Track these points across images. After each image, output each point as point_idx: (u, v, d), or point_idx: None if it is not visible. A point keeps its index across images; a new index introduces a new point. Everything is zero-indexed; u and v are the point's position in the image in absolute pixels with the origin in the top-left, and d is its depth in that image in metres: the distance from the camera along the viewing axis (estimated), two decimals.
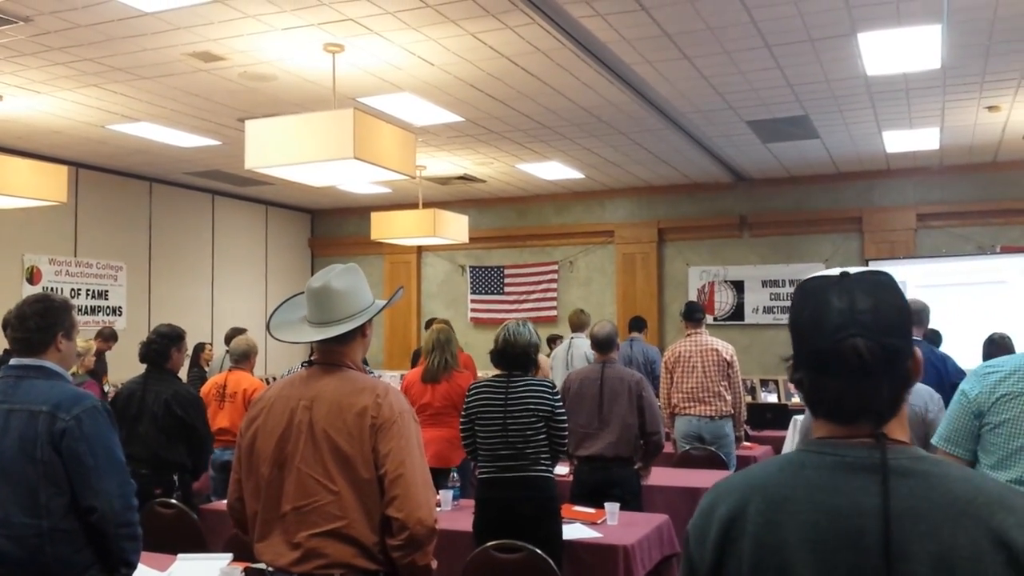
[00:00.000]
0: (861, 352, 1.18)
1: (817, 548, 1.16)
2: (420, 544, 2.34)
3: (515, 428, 3.90)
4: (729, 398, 6.40)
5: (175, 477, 4.75)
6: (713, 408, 6.38)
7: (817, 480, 1.20)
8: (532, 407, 3.92)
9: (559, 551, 3.79)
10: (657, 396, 7.04)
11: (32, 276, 8.99)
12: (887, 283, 1.26)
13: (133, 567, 2.69)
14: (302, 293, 2.65)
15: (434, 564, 2.42)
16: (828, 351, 1.20)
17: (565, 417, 4.02)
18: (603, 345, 5.08)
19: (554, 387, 4.05)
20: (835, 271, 1.28)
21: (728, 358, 6.42)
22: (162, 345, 4.91)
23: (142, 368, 4.98)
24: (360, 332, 2.56)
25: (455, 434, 4.90)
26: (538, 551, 3.44)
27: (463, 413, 4.11)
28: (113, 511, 2.58)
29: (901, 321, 1.23)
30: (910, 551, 1.12)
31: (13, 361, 2.73)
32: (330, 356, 2.53)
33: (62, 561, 2.57)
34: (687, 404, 6.45)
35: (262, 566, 2.48)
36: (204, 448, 4.96)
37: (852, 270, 1.27)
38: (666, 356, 6.64)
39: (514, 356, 4.04)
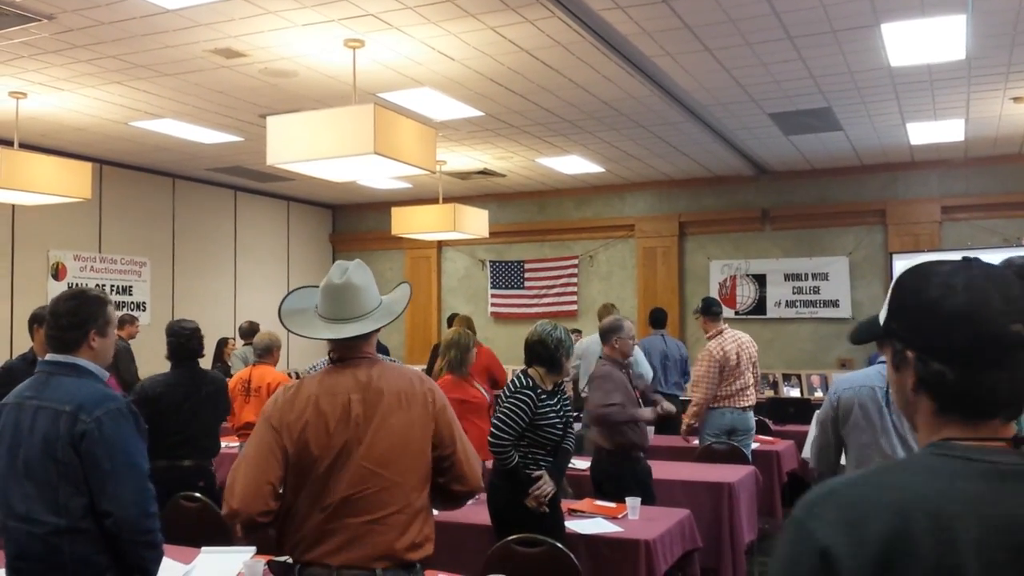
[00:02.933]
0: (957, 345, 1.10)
1: (992, 568, 1.04)
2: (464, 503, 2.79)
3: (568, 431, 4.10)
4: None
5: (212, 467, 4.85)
6: (745, 400, 6.50)
7: (976, 491, 1.07)
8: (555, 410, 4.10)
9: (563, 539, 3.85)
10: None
11: (57, 272, 9.08)
12: (953, 269, 1.16)
13: (150, 575, 2.65)
14: (309, 286, 2.68)
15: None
16: (992, 338, 1.10)
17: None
18: (600, 338, 5.30)
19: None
20: (953, 257, 1.19)
21: (755, 348, 6.67)
22: (199, 340, 5.03)
23: (166, 362, 5.04)
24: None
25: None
26: (559, 545, 3.45)
27: (517, 412, 3.93)
28: (128, 518, 2.55)
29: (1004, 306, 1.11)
30: None
31: (48, 357, 2.73)
32: (355, 350, 2.55)
33: (81, 561, 2.57)
34: (732, 398, 6.46)
35: (285, 559, 2.49)
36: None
37: (971, 256, 1.19)
38: (716, 354, 6.44)
39: (543, 354, 4.11)
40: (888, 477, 1.14)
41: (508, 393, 4.00)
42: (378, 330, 2.60)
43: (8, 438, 2.66)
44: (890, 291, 1.23)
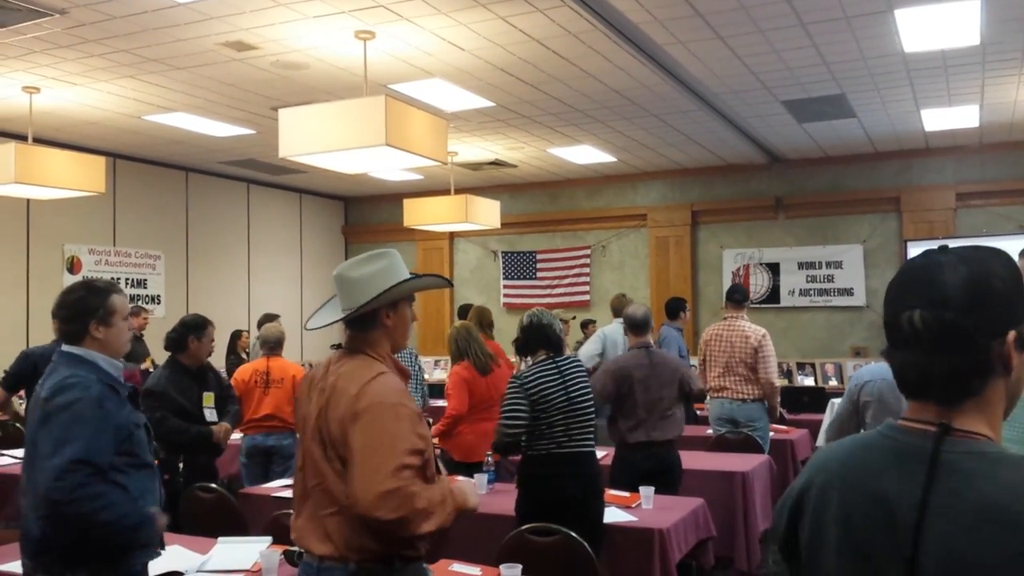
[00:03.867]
0: (915, 324, 1.16)
1: (848, 531, 1.19)
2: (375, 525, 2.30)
3: (580, 404, 4.01)
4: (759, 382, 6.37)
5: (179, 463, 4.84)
6: (742, 392, 6.37)
7: (872, 463, 1.21)
8: (586, 382, 4.11)
9: (602, 531, 3.86)
10: None
11: (72, 266, 9.14)
12: (979, 257, 1.18)
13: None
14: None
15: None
16: (890, 324, 1.21)
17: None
18: (640, 326, 5.12)
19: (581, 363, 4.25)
20: (937, 245, 1.25)
21: (755, 343, 6.32)
22: (179, 334, 5.02)
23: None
24: (377, 321, 2.47)
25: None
26: (573, 534, 3.45)
27: (518, 397, 3.97)
28: (41, 492, 2.56)
29: (970, 297, 1.14)
30: (931, 551, 1.09)
31: (62, 347, 2.80)
32: (349, 342, 2.53)
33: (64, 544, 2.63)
34: (718, 387, 6.49)
35: (299, 549, 2.51)
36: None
37: (954, 244, 1.22)
38: (702, 338, 6.63)
39: (542, 330, 4.15)
40: (839, 447, 1.30)
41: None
42: (383, 326, 2.48)
43: (29, 427, 2.74)
44: None
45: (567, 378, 4.02)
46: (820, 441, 7.36)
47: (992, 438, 1.17)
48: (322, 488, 2.37)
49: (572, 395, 3.98)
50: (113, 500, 2.57)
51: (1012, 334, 1.15)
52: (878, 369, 3.79)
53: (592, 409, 4.07)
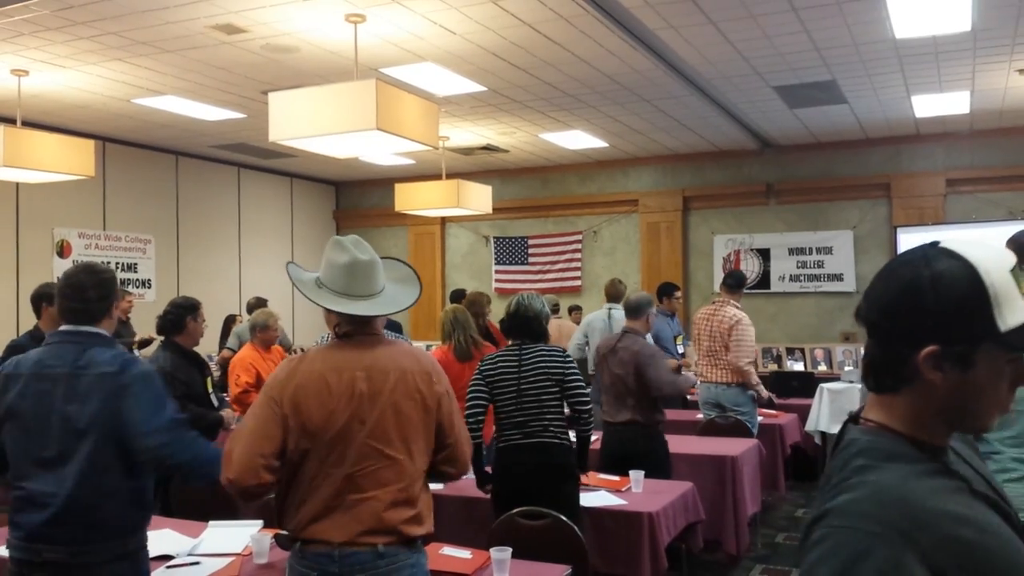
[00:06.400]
0: (859, 314, 1.24)
1: None
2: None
3: (530, 394, 3.95)
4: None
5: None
6: (725, 375, 6.46)
7: None
8: (545, 373, 3.96)
9: (577, 516, 3.82)
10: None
11: (62, 250, 9.11)
12: (909, 260, 1.20)
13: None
14: (292, 263, 2.72)
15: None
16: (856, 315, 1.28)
17: (580, 382, 4.03)
18: (630, 311, 5.29)
19: (566, 353, 4.09)
20: (959, 229, 1.33)
21: (727, 326, 6.41)
22: (176, 315, 4.91)
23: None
24: None
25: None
26: (563, 518, 3.48)
27: (477, 380, 4.06)
28: (158, 446, 2.75)
29: (896, 303, 1.18)
30: None
31: (69, 328, 2.77)
32: (367, 327, 2.54)
33: (118, 518, 2.71)
34: (704, 370, 6.59)
35: (286, 533, 2.51)
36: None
37: (941, 242, 1.22)
38: (692, 323, 6.70)
39: (526, 322, 4.10)
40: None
41: None
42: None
43: (32, 407, 2.68)
44: None
45: (523, 368, 3.99)
46: (810, 426, 7.41)
47: (894, 428, 1.20)
48: (373, 471, 2.40)
49: (523, 386, 3.96)
50: (204, 443, 2.83)
51: (928, 349, 1.15)
52: None
53: (552, 401, 3.96)
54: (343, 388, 2.42)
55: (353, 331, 2.53)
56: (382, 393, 2.42)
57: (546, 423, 3.94)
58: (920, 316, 1.16)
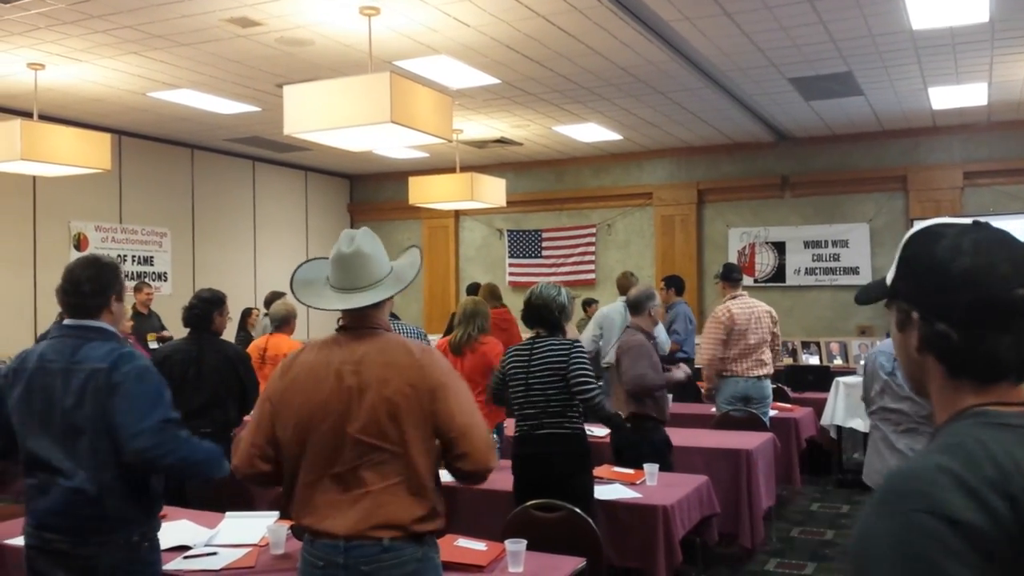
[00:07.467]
0: None
1: None
2: (483, 480, 2.59)
3: (537, 387, 4.04)
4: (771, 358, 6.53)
5: (232, 435, 4.84)
6: (765, 369, 6.47)
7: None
8: (551, 367, 4.03)
9: (590, 506, 3.84)
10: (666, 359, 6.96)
11: (79, 243, 9.17)
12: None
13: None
14: (321, 258, 2.68)
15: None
16: (996, 302, 1.09)
17: (584, 373, 4.01)
18: (631, 307, 5.30)
19: (573, 345, 4.09)
20: (964, 221, 1.17)
21: (774, 320, 6.58)
22: (204, 309, 4.92)
23: (185, 332, 5.04)
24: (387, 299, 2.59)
25: (480, 402, 4.98)
26: (577, 510, 3.48)
27: (497, 373, 4.33)
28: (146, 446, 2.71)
29: None
30: None
31: (70, 322, 2.78)
32: (365, 320, 2.52)
33: (118, 514, 2.70)
34: (741, 366, 6.44)
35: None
36: (252, 404, 5.05)
37: (981, 221, 1.15)
38: (722, 318, 6.46)
39: (538, 311, 4.16)
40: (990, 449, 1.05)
41: None
42: (390, 299, 2.56)
43: (38, 401, 2.72)
44: (899, 251, 1.21)
45: (533, 362, 4.07)
46: (825, 420, 7.37)
47: None
48: (375, 465, 2.38)
49: (531, 380, 4.06)
50: (196, 443, 2.77)
51: None
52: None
53: (559, 393, 4.00)
54: (332, 381, 2.42)
55: (350, 324, 2.54)
56: (371, 387, 2.40)
57: (552, 413, 4.01)
58: None
